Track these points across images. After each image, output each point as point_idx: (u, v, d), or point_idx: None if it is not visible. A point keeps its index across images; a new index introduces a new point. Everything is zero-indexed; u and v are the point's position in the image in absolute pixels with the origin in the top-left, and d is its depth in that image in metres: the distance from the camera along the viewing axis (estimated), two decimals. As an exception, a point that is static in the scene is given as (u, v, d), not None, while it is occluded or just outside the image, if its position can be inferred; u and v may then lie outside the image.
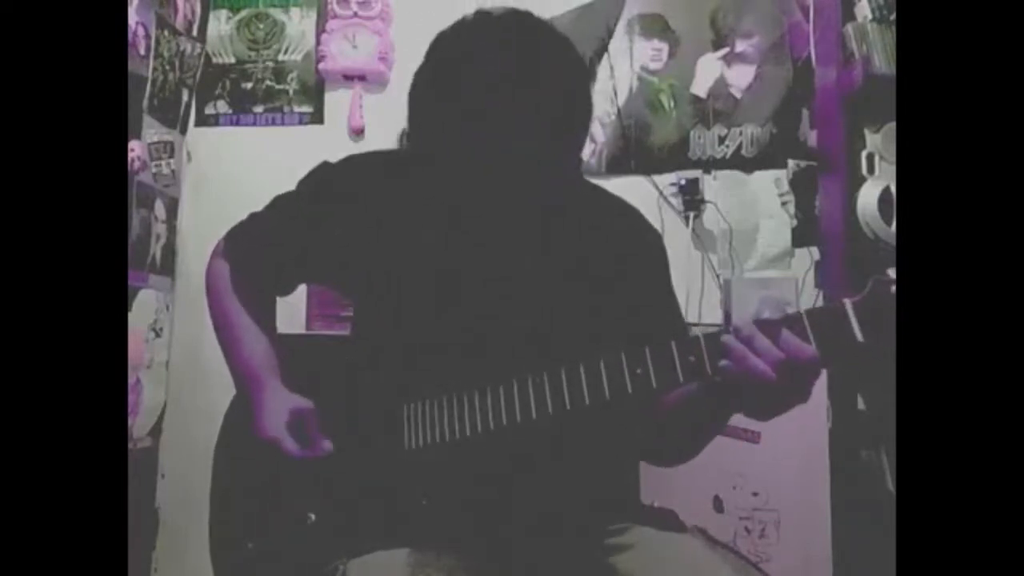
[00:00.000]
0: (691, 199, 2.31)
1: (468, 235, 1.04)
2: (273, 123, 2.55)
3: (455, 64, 0.96)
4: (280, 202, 1.14)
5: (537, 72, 0.94)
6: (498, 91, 0.92)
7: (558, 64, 0.97)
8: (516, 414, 0.91)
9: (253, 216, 1.16)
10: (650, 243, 1.11)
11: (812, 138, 2.14)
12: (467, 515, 0.95)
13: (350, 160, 1.12)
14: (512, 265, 1.03)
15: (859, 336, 0.79)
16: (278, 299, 1.18)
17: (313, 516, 0.99)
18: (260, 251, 1.12)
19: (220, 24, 2.59)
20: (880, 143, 1.82)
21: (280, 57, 2.56)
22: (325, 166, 1.13)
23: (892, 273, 0.79)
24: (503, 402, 0.92)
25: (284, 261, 1.12)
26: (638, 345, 0.87)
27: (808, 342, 0.80)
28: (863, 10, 1.89)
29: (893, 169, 1.78)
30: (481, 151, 0.94)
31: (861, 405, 1.78)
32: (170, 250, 2.44)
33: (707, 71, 2.39)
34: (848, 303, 0.80)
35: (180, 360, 2.44)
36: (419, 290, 1.02)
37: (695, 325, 2.07)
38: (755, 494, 1.74)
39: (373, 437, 0.99)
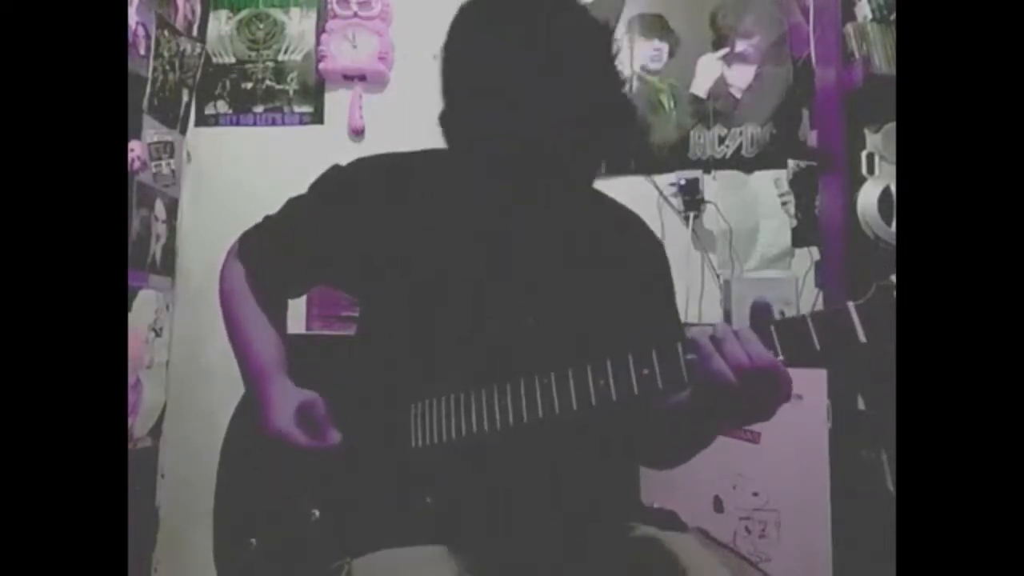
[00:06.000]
0: (691, 199, 2.32)
1: (476, 236, 1.04)
2: (273, 123, 2.55)
3: (488, 48, 0.92)
4: (293, 204, 1.14)
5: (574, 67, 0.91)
6: (532, 83, 0.89)
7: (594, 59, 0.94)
8: (523, 414, 0.91)
9: (268, 219, 1.16)
10: (654, 252, 1.13)
11: (812, 138, 2.14)
12: (471, 514, 0.96)
13: (361, 162, 1.12)
14: (520, 267, 1.03)
15: (862, 337, 0.80)
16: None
17: (317, 513, 0.99)
18: (275, 254, 1.12)
19: (220, 24, 2.59)
20: (880, 143, 1.82)
21: (280, 57, 2.56)
22: (336, 168, 1.13)
23: (895, 279, 0.80)
24: (509, 402, 0.92)
25: (299, 264, 1.12)
26: (642, 348, 0.88)
27: (812, 343, 0.81)
28: (863, 10, 1.89)
29: (893, 169, 1.78)
30: (509, 149, 0.92)
31: (861, 405, 1.78)
32: (170, 250, 2.44)
33: (707, 71, 2.39)
34: (851, 305, 0.81)
35: (180, 360, 2.44)
36: (427, 290, 1.02)
37: (695, 325, 2.07)
38: (755, 494, 1.74)
39: (378, 435, 0.99)
